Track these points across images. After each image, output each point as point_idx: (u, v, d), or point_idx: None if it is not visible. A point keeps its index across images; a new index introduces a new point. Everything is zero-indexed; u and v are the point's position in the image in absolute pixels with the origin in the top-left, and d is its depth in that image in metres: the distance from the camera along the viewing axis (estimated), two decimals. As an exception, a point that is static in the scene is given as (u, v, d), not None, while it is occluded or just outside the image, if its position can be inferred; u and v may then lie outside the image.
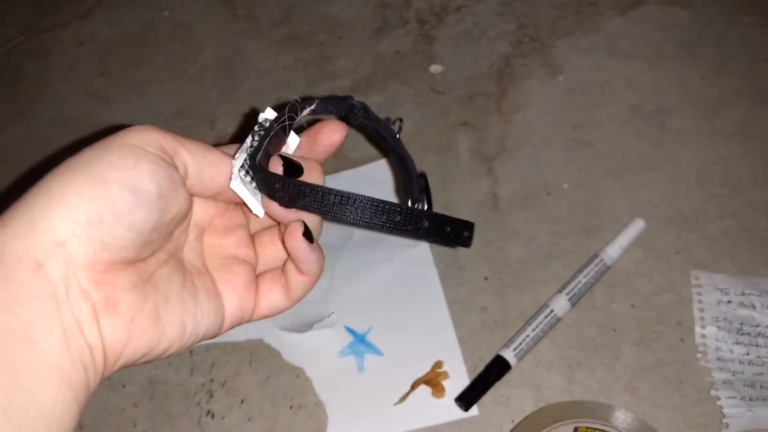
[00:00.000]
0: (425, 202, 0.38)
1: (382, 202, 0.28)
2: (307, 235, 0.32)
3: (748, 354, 0.54)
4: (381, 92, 0.76)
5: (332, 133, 0.34)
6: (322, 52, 0.81)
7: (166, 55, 0.84)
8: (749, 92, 0.70)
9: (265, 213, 0.33)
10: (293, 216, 0.32)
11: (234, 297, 0.34)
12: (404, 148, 0.38)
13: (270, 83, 0.79)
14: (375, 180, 0.68)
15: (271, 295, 0.35)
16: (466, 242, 0.31)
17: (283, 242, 0.33)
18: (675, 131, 0.68)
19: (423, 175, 0.38)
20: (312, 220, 0.33)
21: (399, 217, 0.28)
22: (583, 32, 0.78)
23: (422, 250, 0.63)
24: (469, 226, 0.31)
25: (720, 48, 0.74)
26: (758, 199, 0.62)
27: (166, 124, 0.77)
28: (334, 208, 0.28)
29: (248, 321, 0.35)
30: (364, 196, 0.28)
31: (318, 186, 0.29)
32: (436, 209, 0.35)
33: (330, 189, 0.28)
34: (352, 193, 0.28)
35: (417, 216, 0.29)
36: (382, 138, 0.37)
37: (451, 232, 0.30)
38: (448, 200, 0.66)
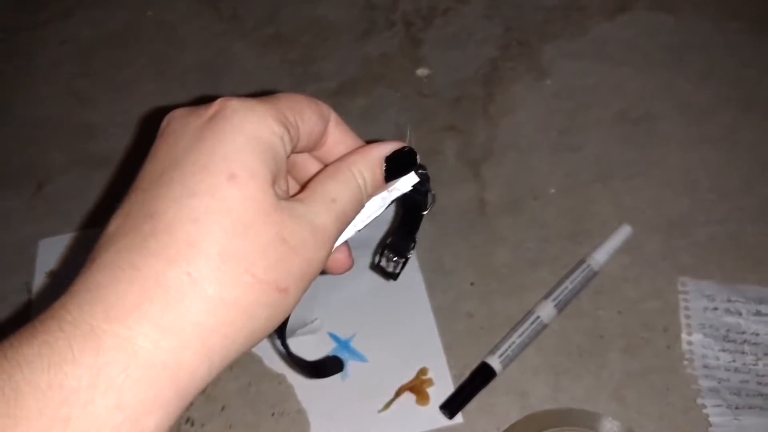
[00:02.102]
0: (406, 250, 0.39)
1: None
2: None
3: (734, 361, 0.54)
4: (367, 95, 0.75)
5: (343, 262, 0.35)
6: (308, 54, 0.80)
7: (149, 55, 0.83)
8: (735, 98, 0.70)
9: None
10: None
11: None
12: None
13: (254, 84, 0.78)
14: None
15: None
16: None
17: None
18: (662, 136, 0.68)
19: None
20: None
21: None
22: (570, 37, 0.77)
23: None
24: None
25: (706, 54, 0.74)
26: (745, 205, 0.62)
27: (147, 125, 0.76)
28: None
29: None
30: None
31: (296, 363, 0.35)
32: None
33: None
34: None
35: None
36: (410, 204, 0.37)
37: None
38: (435, 205, 0.65)
